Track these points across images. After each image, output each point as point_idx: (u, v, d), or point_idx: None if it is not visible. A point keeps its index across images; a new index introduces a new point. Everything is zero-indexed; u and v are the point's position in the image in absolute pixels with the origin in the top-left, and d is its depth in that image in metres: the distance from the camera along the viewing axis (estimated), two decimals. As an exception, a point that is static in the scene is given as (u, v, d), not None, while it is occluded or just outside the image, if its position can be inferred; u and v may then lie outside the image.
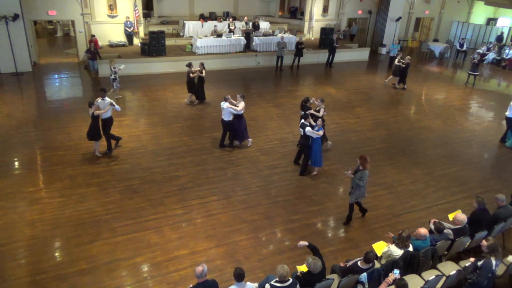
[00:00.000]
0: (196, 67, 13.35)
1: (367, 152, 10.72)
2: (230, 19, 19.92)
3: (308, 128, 9.07)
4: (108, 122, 9.77)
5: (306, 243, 5.77)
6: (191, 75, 13.09)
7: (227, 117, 10.26)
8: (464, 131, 12.80)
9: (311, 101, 10.57)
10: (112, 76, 13.24)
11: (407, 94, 16.24)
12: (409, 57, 16.35)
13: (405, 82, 16.48)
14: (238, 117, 10.32)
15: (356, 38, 24.23)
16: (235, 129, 10.48)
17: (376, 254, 6.06)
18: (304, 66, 18.99)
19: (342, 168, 9.97)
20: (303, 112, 10.07)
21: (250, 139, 10.85)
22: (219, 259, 6.74)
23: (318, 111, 10.10)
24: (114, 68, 13.26)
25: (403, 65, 15.97)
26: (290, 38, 19.44)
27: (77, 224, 7.36)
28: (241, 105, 10.24)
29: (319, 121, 9.24)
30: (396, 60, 16.22)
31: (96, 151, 9.81)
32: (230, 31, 19.06)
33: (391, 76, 16.72)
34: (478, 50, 18.42)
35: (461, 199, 8.87)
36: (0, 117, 11.65)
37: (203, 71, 13.08)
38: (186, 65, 13.30)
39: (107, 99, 9.70)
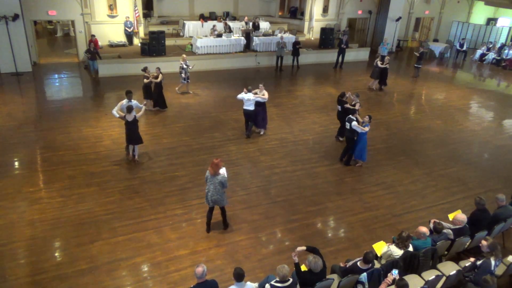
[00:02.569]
0: (153, 72, 12.47)
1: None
2: (224, 22, 19.80)
3: (354, 123, 9.48)
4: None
5: (303, 247, 5.66)
6: (145, 80, 12.14)
7: (252, 107, 10.90)
8: (464, 131, 12.80)
9: (347, 95, 11.04)
10: (182, 74, 14.02)
11: (408, 94, 16.25)
12: (388, 57, 16.31)
13: (386, 83, 16.27)
14: (261, 105, 11.11)
15: (356, 38, 24.24)
16: (260, 117, 11.27)
17: (376, 254, 6.06)
18: (305, 66, 18.99)
19: (342, 168, 9.98)
20: (339, 107, 10.88)
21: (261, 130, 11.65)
22: (219, 259, 6.73)
23: (354, 105, 10.46)
24: (181, 64, 13.68)
25: (386, 65, 15.76)
26: (290, 38, 19.44)
27: (77, 224, 7.36)
28: (266, 93, 11.14)
29: (366, 117, 9.56)
30: (379, 63, 15.78)
31: (136, 155, 9.66)
32: (226, 30, 19.02)
33: (374, 80, 16.30)
34: (422, 47, 18.85)
35: (461, 199, 8.87)
36: (0, 117, 11.65)
37: (159, 76, 12.20)
38: (142, 70, 12.44)
39: (134, 101, 9.63)
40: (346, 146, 10.13)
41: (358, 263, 5.56)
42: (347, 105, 10.61)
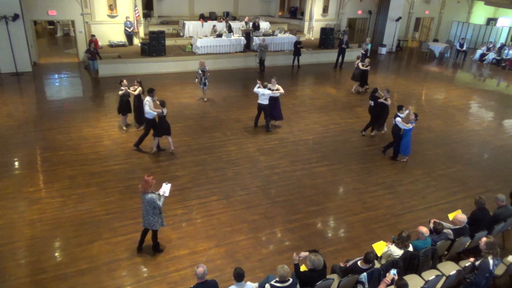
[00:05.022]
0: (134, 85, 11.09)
1: (367, 152, 10.80)
2: (226, 19, 19.80)
3: (398, 119, 9.95)
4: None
5: (306, 253, 5.54)
6: (119, 92, 10.94)
7: (265, 101, 11.32)
8: (464, 131, 12.80)
9: (378, 89, 11.81)
10: (196, 80, 13.64)
11: (408, 94, 16.23)
12: (368, 59, 15.97)
13: (367, 84, 15.96)
14: (276, 99, 11.61)
15: (356, 38, 24.28)
16: (275, 110, 11.74)
17: (376, 254, 6.06)
18: (305, 66, 19.00)
19: (342, 168, 9.98)
20: (372, 102, 11.54)
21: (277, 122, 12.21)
22: (219, 259, 6.74)
23: (386, 100, 11.19)
24: (198, 69, 13.40)
25: (367, 68, 15.44)
26: (291, 38, 19.45)
27: (77, 224, 7.36)
28: (280, 87, 11.61)
29: (412, 116, 9.99)
30: (360, 65, 15.38)
31: (154, 147, 10.06)
32: (227, 29, 19.03)
33: (356, 84, 15.89)
34: (364, 45, 18.66)
35: (461, 199, 8.87)
36: (0, 117, 11.65)
37: (138, 89, 10.83)
38: (118, 83, 11.17)
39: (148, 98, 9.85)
40: (392, 141, 10.49)
41: (359, 263, 5.56)
42: (381, 100, 11.14)
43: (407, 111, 10.28)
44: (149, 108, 9.61)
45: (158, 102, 9.70)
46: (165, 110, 9.60)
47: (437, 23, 26.39)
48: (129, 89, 10.87)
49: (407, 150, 10.28)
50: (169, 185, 6.45)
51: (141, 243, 6.74)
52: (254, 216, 7.90)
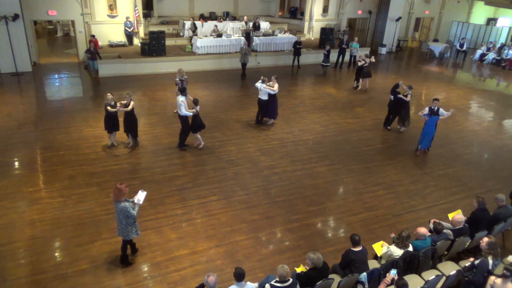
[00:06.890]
0: (121, 100, 10.17)
1: (367, 152, 10.80)
2: (191, 20, 19.92)
3: (426, 109, 10.53)
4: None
5: None
6: (108, 108, 9.72)
7: (264, 97, 11.62)
8: (464, 131, 12.80)
9: (400, 84, 11.95)
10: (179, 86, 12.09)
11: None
12: (360, 55, 16.09)
13: (359, 81, 16.14)
14: (273, 96, 11.72)
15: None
16: (270, 107, 11.91)
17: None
18: (305, 66, 19.00)
19: (342, 168, 9.98)
20: (392, 96, 11.89)
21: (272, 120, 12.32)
22: (219, 259, 6.74)
23: (406, 96, 11.59)
24: (176, 78, 12.17)
25: (374, 60, 15.90)
26: (290, 38, 19.46)
27: (77, 224, 7.36)
28: (276, 85, 11.67)
29: (426, 110, 10.36)
30: (368, 60, 15.54)
31: (201, 142, 10.41)
32: (195, 28, 19.09)
33: (363, 79, 16.02)
34: (327, 44, 18.48)
35: (461, 199, 8.87)
36: (0, 117, 11.65)
37: (131, 104, 9.84)
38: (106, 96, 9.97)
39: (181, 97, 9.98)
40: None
41: (351, 248, 5.70)
42: (401, 95, 11.54)
43: (448, 113, 10.58)
44: (185, 109, 9.78)
45: (191, 98, 10.06)
46: (198, 108, 9.87)
47: (437, 23, 26.39)
48: (120, 107, 9.81)
49: (422, 141, 10.71)
50: (145, 193, 6.28)
51: (132, 246, 6.68)
52: (254, 216, 7.90)
